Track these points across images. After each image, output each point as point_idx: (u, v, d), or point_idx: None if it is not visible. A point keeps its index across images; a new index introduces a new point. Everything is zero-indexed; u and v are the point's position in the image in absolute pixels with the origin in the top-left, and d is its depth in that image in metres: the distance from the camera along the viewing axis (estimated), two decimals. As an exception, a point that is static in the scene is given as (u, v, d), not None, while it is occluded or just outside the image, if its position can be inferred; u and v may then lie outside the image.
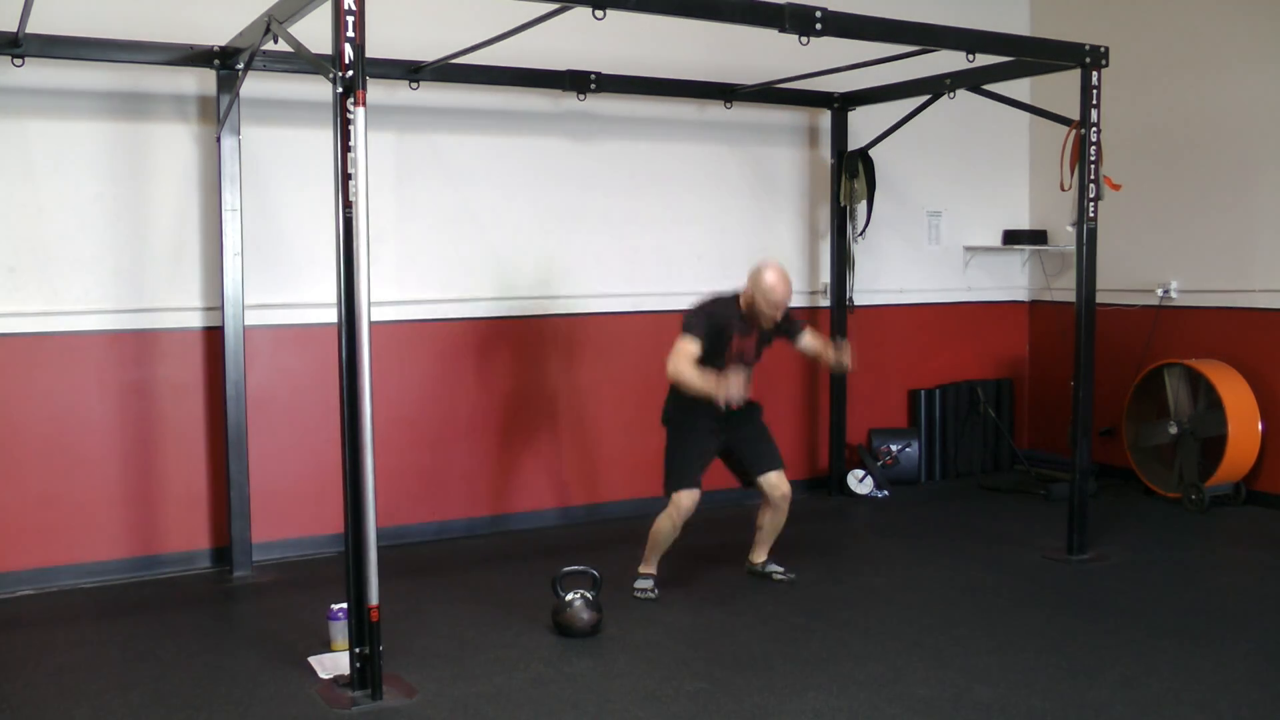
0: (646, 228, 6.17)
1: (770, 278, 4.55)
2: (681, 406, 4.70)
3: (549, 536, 5.79)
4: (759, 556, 5.02)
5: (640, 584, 4.76)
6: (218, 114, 4.99)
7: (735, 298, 4.67)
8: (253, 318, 5.15)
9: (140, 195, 5.04)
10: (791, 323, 4.81)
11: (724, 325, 4.60)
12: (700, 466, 4.69)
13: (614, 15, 4.02)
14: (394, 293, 5.50)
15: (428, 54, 5.28)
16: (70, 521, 4.97)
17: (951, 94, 5.95)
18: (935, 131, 6.70)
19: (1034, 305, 7.53)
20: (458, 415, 5.76)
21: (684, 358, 4.47)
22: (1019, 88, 6.64)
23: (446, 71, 5.34)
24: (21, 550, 4.88)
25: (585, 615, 4.25)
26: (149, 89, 5.04)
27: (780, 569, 4.97)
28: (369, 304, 3.50)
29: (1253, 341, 6.28)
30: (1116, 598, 4.70)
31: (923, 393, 7.10)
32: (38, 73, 4.74)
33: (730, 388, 4.44)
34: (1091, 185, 5.15)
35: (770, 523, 4.93)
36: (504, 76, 5.52)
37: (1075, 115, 5.22)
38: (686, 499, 4.63)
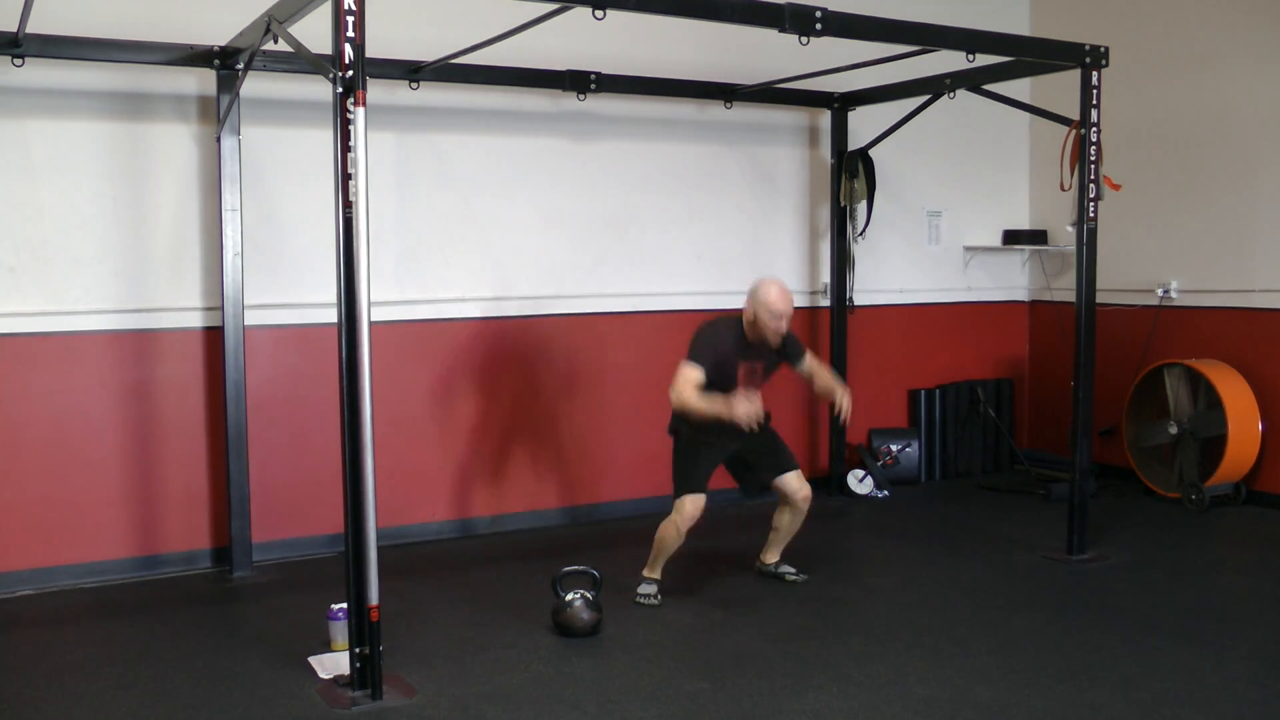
0: (646, 228, 6.17)
1: (771, 291, 4.54)
2: (691, 430, 4.68)
3: (549, 536, 5.79)
4: (771, 557, 5.00)
5: (644, 589, 4.71)
6: (218, 114, 4.99)
7: (738, 320, 4.63)
8: (253, 318, 5.14)
9: (140, 195, 5.04)
10: (795, 345, 4.75)
11: (728, 350, 4.57)
12: (706, 473, 4.69)
13: (614, 15, 4.02)
14: (394, 293, 5.50)
15: (428, 54, 5.28)
16: (70, 521, 4.97)
17: (951, 94, 5.95)
18: (935, 131, 6.70)
19: (1034, 305, 7.53)
20: (457, 415, 5.76)
21: (686, 385, 4.44)
22: (1019, 88, 6.64)
23: (446, 71, 5.34)
24: (21, 550, 4.88)
25: (585, 615, 4.25)
26: (149, 89, 5.04)
27: (793, 570, 4.96)
28: (369, 304, 3.50)
29: (1253, 341, 6.28)
30: (1116, 598, 4.70)
31: (923, 393, 7.10)
32: (38, 73, 4.74)
33: (744, 408, 4.37)
34: (1091, 185, 5.15)
35: (788, 525, 4.91)
36: (504, 76, 5.52)
37: (1075, 115, 5.22)
38: (690, 505, 4.61)
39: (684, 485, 4.67)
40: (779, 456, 4.81)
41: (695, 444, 4.68)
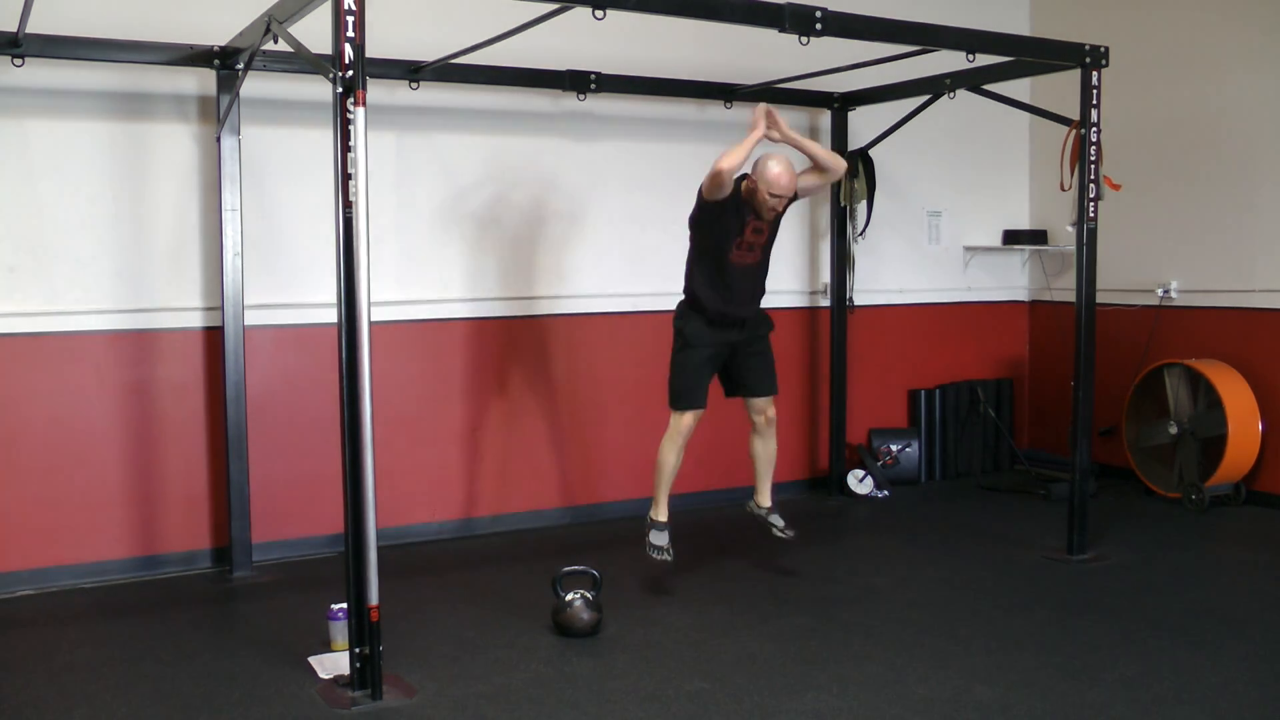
0: (646, 228, 6.16)
1: (773, 168, 4.55)
2: (693, 315, 4.74)
3: (549, 536, 5.79)
4: (763, 500, 5.03)
5: (655, 538, 4.74)
6: (218, 114, 4.99)
7: (736, 184, 4.63)
8: (253, 318, 5.14)
9: (140, 195, 5.04)
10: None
11: (733, 202, 4.59)
12: (706, 384, 4.75)
13: (614, 15, 4.02)
14: (394, 293, 5.50)
15: (428, 54, 5.28)
16: (70, 521, 4.97)
17: (951, 94, 5.95)
18: (935, 131, 6.69)
19: (1034, 305, 7.53)
20: (457, 415, 5.76)
21: (715, 163, 4.46)
22: (1019, 88, 6.63)
23: (446, 71, 5.34)
24: (21, 550, 4.88)
25: (585, 615, 4.25)
26: (149, 89, 5.04)
27: (782, 524, 4.97)
28: (369, 304, 3.50)
29: (1253, 341, 6.28)
30: (1116, 598, 4.70)
31: (923, 393, 7.10)
32: (38, 73, 4.74)
33: (759, 120, 4.55)
34: (1091, 185, 5.15)
35: (762, 452, 4.98)
36: (504, 76, 5.52)
37: (1075, 115, 5.23)
38: (691, 419, 4.71)
39: (685, 398, 4.71)
40: (764, 378, 4.88)
41: (694, 345, 4.71)
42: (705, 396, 4.76)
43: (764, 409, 4.90)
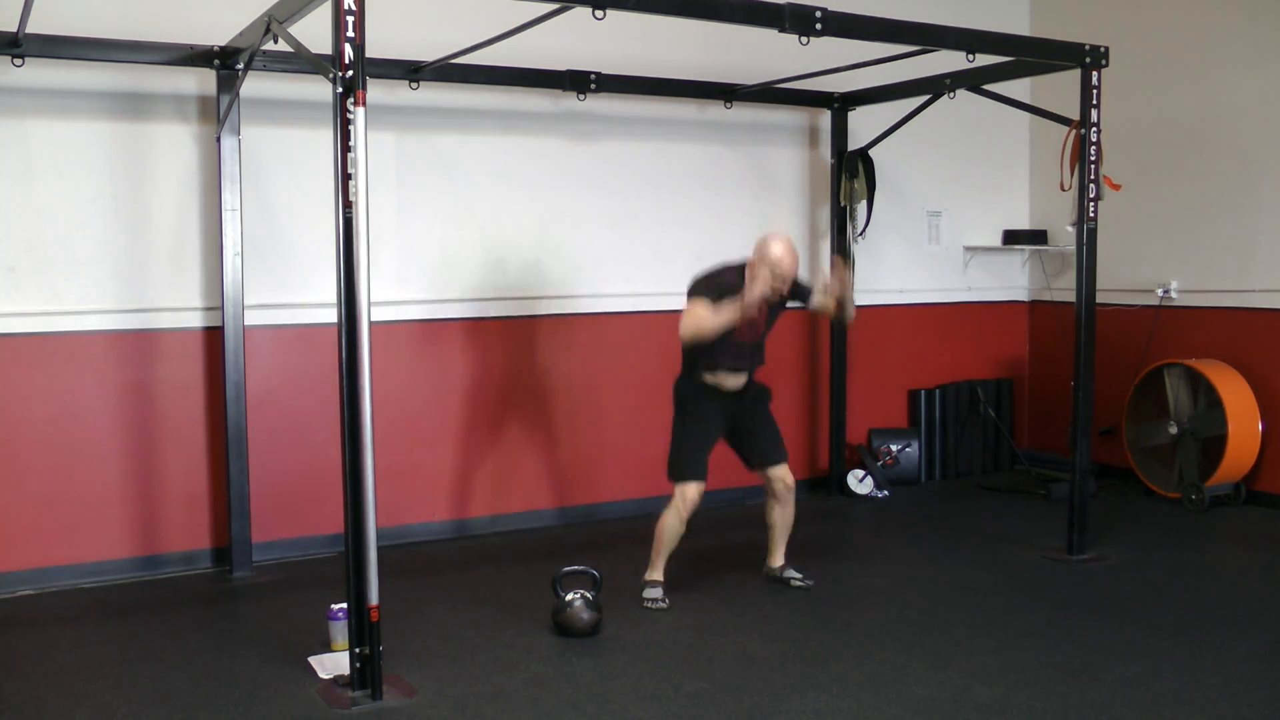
0: (646, 228, 6.17)
1: (777, 250, 4.47)
2: (692, 387, 4.68)
3: (549, 536, 5.79)
4: (776, 560, 4.95)
5: (649, 593, 4.65)
6: (218, 114, 4.99)
7: (740, 268, 4.57)
8: (253, 318, 5.14)
9: (140, 195, 5.04)
10: (800, 287, 4.70)
11: (732, 293, 4.49)
12: (706, 454, 4.66)
13: (614, 15, 4.02)
14: (394, 293, 5.50)
15: (428, 54, 5.28)
16: (70, 521, 4.97)
17: (951, 94, 5.95)
18: (935, 131, 6.69)
19: (1034, 305, 7.53)
20: (457, 415, 5.76)
21: (693, 313, 4.42)
22: (1019, 88, 6.64)
23: (446, 71, 5.34)
24: (21, 550, 4.88)
25: (585, 615, 4.25)
26: (149, 89, 5.04)
27: (799, 575, 4.90)
28: (369, 304, 3.50)
29: (1253, 341, 6.28)
30: (1116, 598, 4.70)
31: (923, 393, 7.10)
32: (38, 73, 4.74)
33: (756, 288, 4.40)
34: (1091, 185, 5.15)
35: (780, 519, 4.89)
36: (504, 76, 5.52)
37: (1075, 115, 5.23)
38: (693, 491, 4.60)
39: (686, 470, 4.62)
40: (770, 447, 4.80)
41: (693, 415, 4.65)
42: (705, 467, 4.65)
43: (782, 476, 4.79)
